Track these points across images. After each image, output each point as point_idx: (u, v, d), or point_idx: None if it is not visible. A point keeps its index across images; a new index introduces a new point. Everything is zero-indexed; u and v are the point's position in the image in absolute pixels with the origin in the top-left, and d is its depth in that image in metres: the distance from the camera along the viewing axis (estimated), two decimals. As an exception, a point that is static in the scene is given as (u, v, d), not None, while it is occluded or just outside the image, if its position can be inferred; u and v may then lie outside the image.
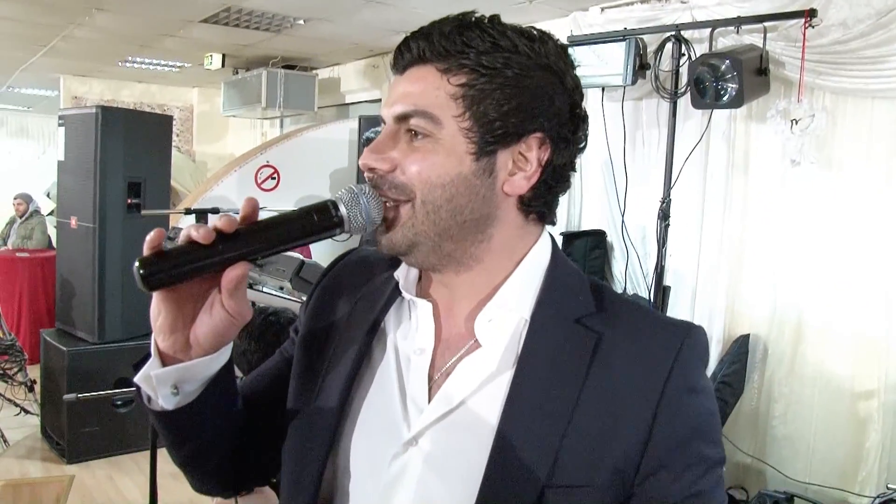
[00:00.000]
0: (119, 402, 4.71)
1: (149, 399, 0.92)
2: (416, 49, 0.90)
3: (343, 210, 0.88)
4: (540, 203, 0.94)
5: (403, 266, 0.99)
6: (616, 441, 0.86)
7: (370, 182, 0.91)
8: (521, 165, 0.91)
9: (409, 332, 0.98)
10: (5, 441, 4.90)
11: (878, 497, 3.14)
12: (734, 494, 3.73)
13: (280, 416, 1.04)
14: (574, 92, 0.94)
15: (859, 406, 3.56)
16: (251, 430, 1.04)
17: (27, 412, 5.20)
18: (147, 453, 4.55)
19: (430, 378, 0.94)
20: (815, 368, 3.73)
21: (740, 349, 3.94)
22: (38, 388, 5.24)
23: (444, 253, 0.92)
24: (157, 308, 0.88)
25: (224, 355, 0.92)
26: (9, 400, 5.21)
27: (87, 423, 4.64)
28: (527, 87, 0.89)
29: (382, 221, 0.92)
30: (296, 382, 1.04)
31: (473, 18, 0.90)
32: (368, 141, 2.98)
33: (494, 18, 0.91)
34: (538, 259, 0.96)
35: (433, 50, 0.89)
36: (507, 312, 0.93)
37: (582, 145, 0.96)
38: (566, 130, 0.93)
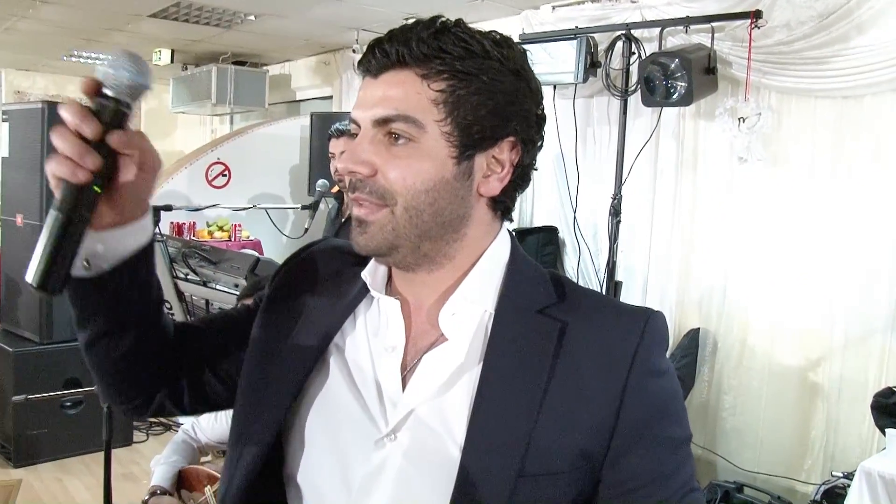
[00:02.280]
0: (68, 404, 4.62)
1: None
2: (394, 53, 0.90)
3: (109, 91, 0.84)
4: (507, 201, 0.98)
5: (372, 263, 0.99)
6: (584, 427, 0.88)
7: (349, 185, 0.92)
8: (494, 168, 0.94)
9: (380, 329, 0.99)
10: (-52, 445, 4.77)
11: (823, 484, 3.23)
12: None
13: (219, 365, 1.06)
14: (538, 94, 0.97)
15: (805, 397, 3.67)
16: (180, 352, 1.05)
17: (-29, 415, 5.07)
18: (96, 455, 4.50)
19: (402, 372, 0.95)
20: (763, 361, 3.82)
21: (690, 343, 4.01)
22: (-19, 390, 5.11)
23: (421, 253, 0.93)
24: None
25: (140, 236, 0.92)
26: (-49, 403, 5.07)
27: (34, 425, 4.53)
28: (500, 91, 0.91)
29: (357, 223, 0.92)
30: (252, 356, 1.04)
31: (442, 23, 0.91)
32: (339, 132, 2.96)
33: (460, 22, 0.92)
34: (498, 253, 0.98)
35: (412, 55, 0.89)
36: (470, 305, 0.95)
37: (540, 144, 0.99)
38: (533, 132, 0.96)
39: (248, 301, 1.13)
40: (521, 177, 0.97)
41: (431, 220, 0.91)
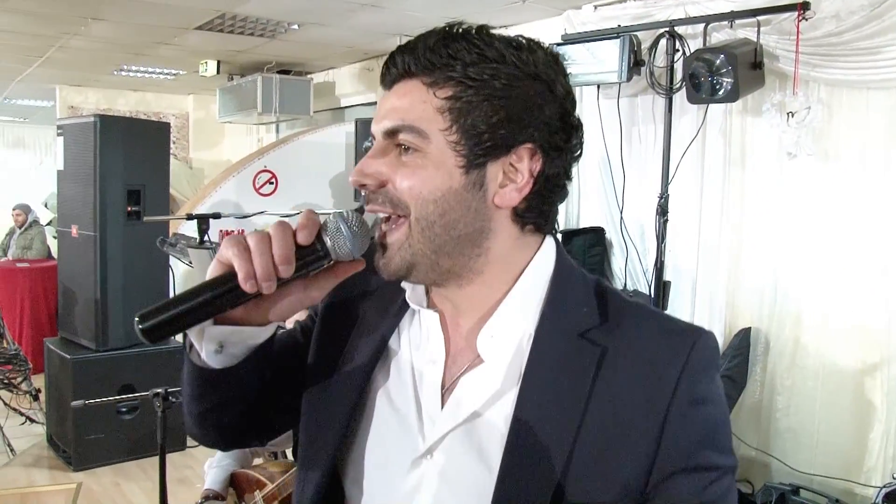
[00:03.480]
0: (124, 409, 4.72)
1: (190, 348, 0.93)
2: (401, 63, 0.90)
3: (328, 243, 0.88)
4: (535, 214, 0.93)
5: None
6: (624, 455, 0.85)
7: (365, 197, 0.92)
8: (511, 177, 0.90)
9: (421, 342, 0.98)
10: (11, 450, 4.91)
11: (884, 487, 3.15)
12: (740, 488, 3.73)
13: (287, 388, 1.06)
14: (565, 100, 0.92)
15: (862, 396, 3.57)
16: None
17: (32, 421, 5.23)
18: (152, 459, 4.59)
19: (441, 390, 0.94)
20: (817, 360, 3.74)
21: (741, 343, 3.95)
22: (42, 396, 5.25)
23: (442, 270, 0.92)
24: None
25: (273, 326, 0.94)
26: (14, 409, 5.23)
27: (92, 430, 4.66)
28: (515, 97, 0.88)
29: (380, 247, 0.92)
30: (312, 368, 1.05)
31: (460, 30, 0.89)
32: (367, 150, 3.00)
33: (482, 29, 0.90)
34: (540, 271, 0.95)
35: (418, 63, 0.88)
36: (510, 326, 0.93)
37: (577, 153, 0.95)
38: (558, 139, 0.91)
39: (301, 318, 1.15)
40: (546, 187, 0.92)
41: (444, 232, 0.89)
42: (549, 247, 0.97)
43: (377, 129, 0.92)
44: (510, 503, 0.85)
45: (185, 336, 0.93)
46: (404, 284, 0.98)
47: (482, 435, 0.90)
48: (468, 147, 0.88)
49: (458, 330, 0.96)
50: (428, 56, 0.88)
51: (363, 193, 0.92)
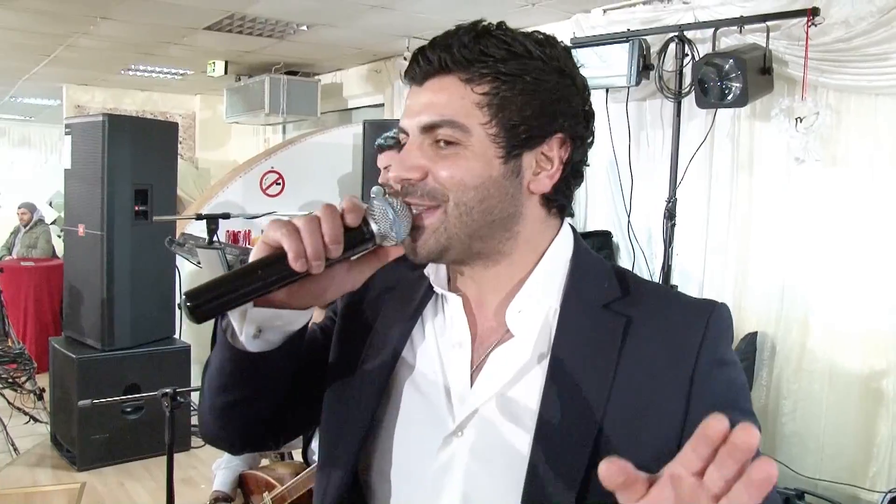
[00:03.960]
0: (129, 409, 4.73)
1: (224, 332, 0.93)
2: (436, 60, 0.92)
3: (374, 226, 0.90)
4: (561, 198, 0.98)
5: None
6: (655, 419, 0.89)
7: (402, 192, 0.93)
8: (543, 165, 0.95)
9: (445, 327, 1.00)
10: (15, 449, 4.91)
11: (889, 492, 3.14)
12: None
13: (311, 383, 1.05)
14: (584, 91, 0.98)
15: (868, 401, 3.57)
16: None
17: (36, 420, 5.23)
18: (157, 459, 4.60)
19: (470, 370, 0.96)
20: (824, 365, 3.74)
21: (748, 347, 3.94)
22: (46, 396, 5.26)
23: (473, 252, 0.95)
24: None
25: (311, 312, 0.95)
26: (18, 408, 5.23)
27: (97, 430, 4.65)
28: (545, 90, 0.92)
29: (412, 230, 0.93)
30: (334, 367, 1.06)
31: (484, 27, 0.92)
32: (381, 147, 3.01)
33: (502, 25, 0.94)
34: (561, 250, 0.99)
35: (454, 60, 0.91)
36: (536, 303, 0.96)
37: (591, 140, 1.00)
38: (581, 128, 0.97)
39: (319, 319, 1.15)
40: (572, 173, 0.98)
41: (481, 218, 0.92)
42: (567, 230, 1.02)
43: (412, 123, 0.94)
44: (546, 472, 0.87)
45: (217, 322, 0.93)
46: (428, 270, 1.02)
47: (513, 408, 0.92)
48: (506, 139, 0.92)
49: (483, 310, 0.99)
50: (463, 53, 0.91)
51: (400, 189, 0.93)
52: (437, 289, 1.01)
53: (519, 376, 0.93)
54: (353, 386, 1.01)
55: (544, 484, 0.87)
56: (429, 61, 0.92)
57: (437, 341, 1.00)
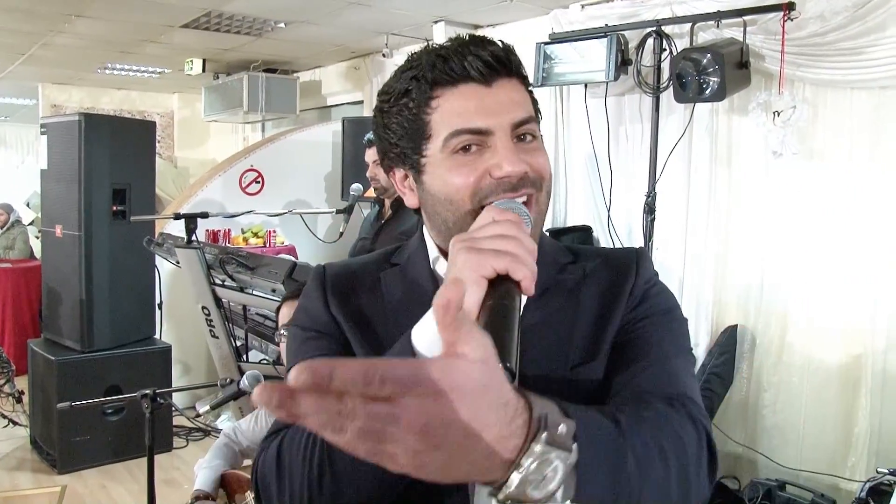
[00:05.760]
0: (110, 411, 4.69)
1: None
2: (504, 64, 1.00)
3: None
4: None
5: (441, 261, 1.07)
6: (608, 324, 1.05)
7: (516, 185, 0.99)
8: None
9: None
10: (-6, 453, 4.87)
11: (868, 481, 3.17)
12: (727, 484, 3.76)
13: None
14: None
15: (847, 393, 3.61)
16: None
17: (15, 423, 5.17)
18: (138, 461, 4.56)
19: None
20: (803, 357, 3.77)
21: (728, 340, 3.97)
22: (26, 399, 5.21)
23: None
24: None
25: None
26: (-3, 412, 5.18)
27: (77, 432, 4.61)
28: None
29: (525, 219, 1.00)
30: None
31: (499, 39, 1.05)
32: (370, 143, 3.01)
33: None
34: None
35: (516, 64, 1.03)
36: None
37: None
38: None
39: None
40: None
41: (545, 203, 1.05)
42: None
43: (502, 121, 0.99)
44: (534, 381, 0.93)
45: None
46: (437, 268, 1.08)
47: None
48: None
49: None
50: (513, 59, 1.02)
51: (514, 181, 0.99)
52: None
53: None
54: None
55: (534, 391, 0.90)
56: (496, 63, 0.99)
57: None
